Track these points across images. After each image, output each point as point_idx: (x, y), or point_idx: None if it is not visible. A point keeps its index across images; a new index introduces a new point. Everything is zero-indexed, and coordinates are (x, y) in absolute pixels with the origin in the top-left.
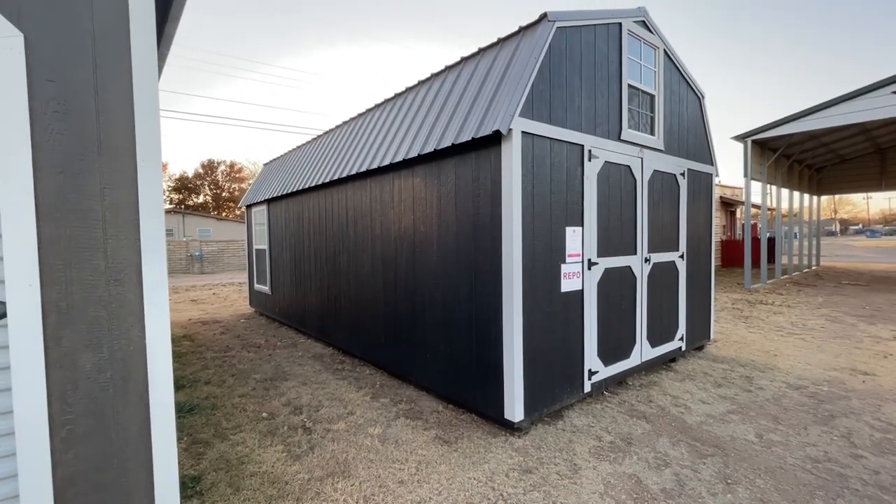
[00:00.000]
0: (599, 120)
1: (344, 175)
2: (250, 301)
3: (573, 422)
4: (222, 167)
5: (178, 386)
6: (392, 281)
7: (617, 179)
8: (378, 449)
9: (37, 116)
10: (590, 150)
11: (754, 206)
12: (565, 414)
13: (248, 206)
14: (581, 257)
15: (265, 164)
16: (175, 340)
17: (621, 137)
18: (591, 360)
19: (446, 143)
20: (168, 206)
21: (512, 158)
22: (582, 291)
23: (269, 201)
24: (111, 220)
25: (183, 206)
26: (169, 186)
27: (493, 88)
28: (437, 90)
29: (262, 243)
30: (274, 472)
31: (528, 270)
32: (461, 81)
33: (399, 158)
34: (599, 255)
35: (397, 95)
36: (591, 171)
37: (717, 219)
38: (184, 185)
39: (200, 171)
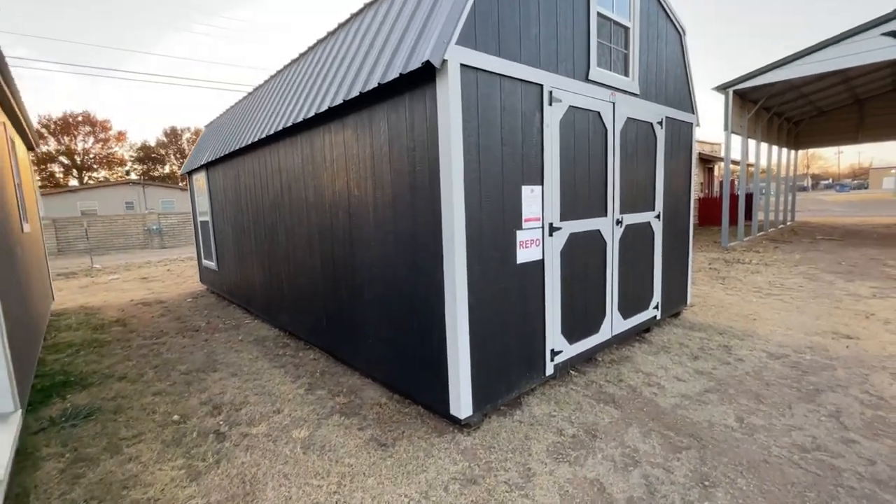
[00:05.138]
0: (562, 55)
1: (272, 132)
2: (200, 277)
3: (532, 411)
4: (187, 134)
5: (86, 384)
6: (329, 255)
7: (584, 128)
8: (298, 459)
9: None
10: (550, 92)
11: (734, 162)
12: (524, 401)
13: (189, 174)
14: (541, 222)
15: (206, 126)
16: (104, 327)
17: (589, 77)
18: (554, 338)
19: (372, 85)
20: (133, 178)
21: (449, 99)
22: (542, 261)
23: (207, 166)
24: None
25: (145, 178)
26: (131, 157)
27: (427, 12)
28: (368, 24)
29: (205, 214)
30: (163, 497)
31: (473, 240)
32: (394, 10)
33: (324, 108)
34: (563, 218)
35: (329, 34)
36: (553, 117)
37: (695, 176)
38: (147, 156)
39: (164, 139)
